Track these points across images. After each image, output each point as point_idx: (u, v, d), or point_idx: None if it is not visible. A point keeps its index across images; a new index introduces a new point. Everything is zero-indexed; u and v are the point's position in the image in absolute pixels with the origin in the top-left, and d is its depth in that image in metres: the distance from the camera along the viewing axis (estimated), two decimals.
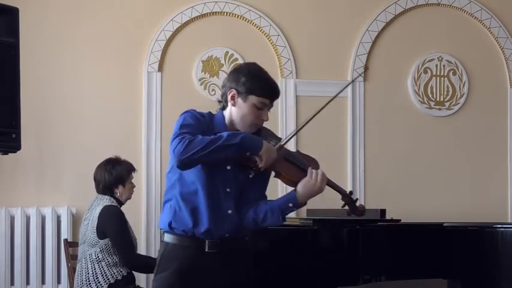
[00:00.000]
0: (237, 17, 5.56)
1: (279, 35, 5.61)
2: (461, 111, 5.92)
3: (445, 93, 5.90)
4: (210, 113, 3.12)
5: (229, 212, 2.99)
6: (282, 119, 5.53)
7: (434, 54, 5.89)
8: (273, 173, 3.10)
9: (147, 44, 5.41)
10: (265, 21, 5.59)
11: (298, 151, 3.19)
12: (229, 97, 3.05)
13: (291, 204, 3.01)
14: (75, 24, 5.32)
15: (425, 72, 5.87)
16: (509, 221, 5.83)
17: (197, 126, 2.96)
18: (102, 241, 4.26)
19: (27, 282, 5.08)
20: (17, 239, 5.08)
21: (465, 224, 4.43)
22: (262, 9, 5.61)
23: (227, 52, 5.53)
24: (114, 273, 4.25)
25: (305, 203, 3.05)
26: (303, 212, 5.39)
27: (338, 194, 3.19)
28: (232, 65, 5.53)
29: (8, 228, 5.07)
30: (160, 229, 3.10)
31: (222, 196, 2.98)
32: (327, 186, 3.08)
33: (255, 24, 5.59)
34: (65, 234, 5.09)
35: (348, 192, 3.18)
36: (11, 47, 3.48)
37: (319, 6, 5.71)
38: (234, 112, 3.05)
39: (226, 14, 5.55)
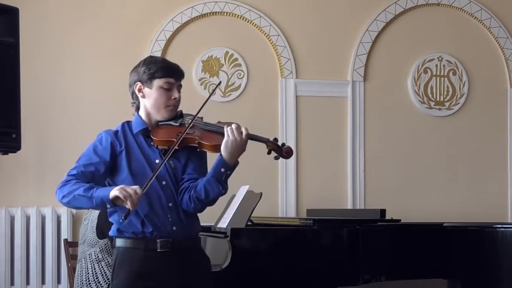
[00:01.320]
0: (237, 17, 5.56)
1: (279, 35, 5.61)
2: (461, 111, 5.92)
3: (445, 93, 5.90)
4: (127, 121, 3.12)
5: (170, 204, 2.98)
6: (282, 119, 5.53)
7: (434, 54, 5.89)
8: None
9: (147, 44, 5.41)
10: (265, 21, 5.59)
11: (219, 121, 3.14)
12: (136, 91, 3.08)
13: (222, 169, 2.95)
14: (75, 24, 5.32)
15: (425, 72, 5.87)
16: (509, 221, 5.83)
17: (95, 154, 2.99)
18: (101, 241, 4.26)
19: (27, 282, 5.08)
20: (17, 239, 5.08)
21: (465, 224, 4.43)
22: (262, 9, 5.61)
23: (227, 52, 5.53)
24: None
25: (237, 162, 2.98)
26: (303, 212, 5.40)
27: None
28: (232, 65, 5.53)
29: (8, 228, 5.07)
30: (111, 236, 3.08)
31: (160, 191, 2.97)
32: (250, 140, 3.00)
33: (255, 24, 5.59)
34: (65, 234, 5.10)
35: (272, 139, 3.07)
36: (11, 47, 3.49)
37: (319, 6, 5.71)
38: (146, 103, 3.07)
39: (226, 14, 5.55)
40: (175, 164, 3.02)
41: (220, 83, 3.10)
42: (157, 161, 2.99)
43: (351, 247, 4.06)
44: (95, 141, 3.06)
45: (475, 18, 5.94)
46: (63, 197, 2.98)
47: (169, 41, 5.44)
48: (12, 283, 5.06)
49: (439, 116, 5.88)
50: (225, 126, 2.98)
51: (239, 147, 2.95)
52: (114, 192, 2.79)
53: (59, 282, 5.13)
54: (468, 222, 4.55)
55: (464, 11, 5.93)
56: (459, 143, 5.88)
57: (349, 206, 5.56)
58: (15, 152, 3.60)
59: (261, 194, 4.17)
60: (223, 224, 4.18)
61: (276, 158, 3.09)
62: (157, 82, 3.06)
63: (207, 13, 5.52)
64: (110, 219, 3.05)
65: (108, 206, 2.85)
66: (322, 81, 5.62)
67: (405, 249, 4.24)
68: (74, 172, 3.02)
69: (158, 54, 5.39)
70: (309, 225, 4.11)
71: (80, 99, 5.31)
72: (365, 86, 5.75)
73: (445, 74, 5.91)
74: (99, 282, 4.23)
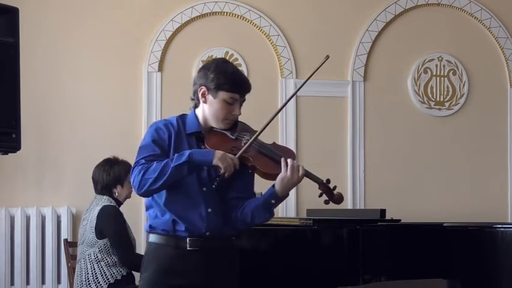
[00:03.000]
0: (237, 17, 5.57)
1: (279, 35, 5.61)
2: (461, 111, 5.92)
3: (445, 93, 5.90)
4: (181, 115, 3.11)
5: (209, 210, 2.98)
6: (282, 119, 5.53)
7: (434, 54, 5.89)
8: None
9: (147, 44, 5.42)
10: (265, 21, 5.60)
11: (274, 143, 3.15)
12: (199, 94, 3.05)
13: (273, 201, 3.01)
14: (75, 24, 5.32)
15: (425, 72, 5.87)
16: (509, 221, 5.83)
17: (156, 146, 2.97)
18: (101, 241, 4.26)
19: (27, 282, 5.08)
20: (17, 239, 5.08)
21: (465, 224, 4.43)
22: (262, 9, 5.61)
23: (227, 52, 5.54)
24: (113, 273, 4.25)
25: (287, 195, 3.03)
26: (303, 212, 5.40)
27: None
28: None
29: (8, 228, 5.07)
30: (145, 231, 3.11)
31: (199, 195, 2.97)
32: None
33: (255, 24, 5.59)
34: (65, 234, 5.10)
35: (324, 180, 3.11)
36: (11, 47, 3.49)
37: (319, 6, 5.72)
38: (206, 109, 3.05)
39: (226, 14, 5.55)
40: (220, 175, 2.99)
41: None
42: (204, 168, 2.98)
43: (351, 247, 4.05)
44: (150, 133, 3.02)
45: (475, 18, 5.94)
46: (152, 174, 2.88)
47: (169, 41, 5.44)
48: (12, 283, 5.06)
49: (439, 116, 5.88)
50: (282, 160, 2.98)
51: (293, 185, 3.00)
52: (217, 162, 2.86)
53: (59, 282, 5.13)
54: (468, 222, 4.55)
55: (464, 11, 5.93)
56: (459, 143, 5.88)
57: (349, 206, 5.56)
58: (15, 152, 3.60)
59: (261, 193, 4.17)
60: None
61: (326, 202, 3.14)
62: (223, 95, 3.01)
63: (207, 13, 5.52)
64: (146, 213, 3.06)
65: (205, 168, 2.91)
66: (322, 81, 5.62)
67: (405, 249, 4.23)
68: (144, 161, 2.95)
69: (158, 54, 5.40)
70: (309, 225, 4.11)
71: (80, 99, 5.31)
72: (365, 86, 5.75)
73: (445, 74, 5.91)
74: (98, 283, 4.23)
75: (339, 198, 3.12)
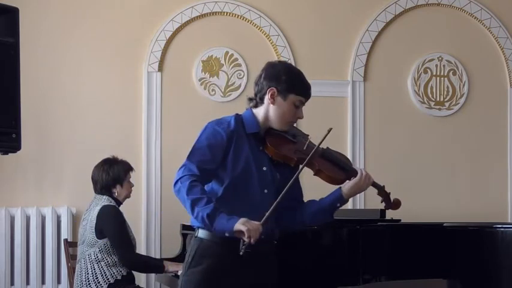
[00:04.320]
0: (237, 17, 5.56)
1: (279, 35, 5.61)
2: (461, 111, 5.92)
3: (445, 93, 5.90)
4: (237, 115, 3.10)
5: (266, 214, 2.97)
6: None
7: (434, 54, 5.89)
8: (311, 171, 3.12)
9: (147, 44, 5.42)
10: (265, 21, 5.59)
11: (328, 147, 3.20)
12: (268, 95, 3.04)
13: (338, 204, 3.11)
14: (75, 24, 5.32)
15: (425, 72, 5.87)
16: (509, 221, 5.83)
17: (208, 150, 2.95)
18: (101, 241, 4.26)
19: (27, 282, 5.08)
20: (17, 239, 5.08)
21: (465, 224, 4.43)
22: (262, 9, 5.61)
23: (227, 52, 5.53)
24: (113, 273, 4.25)
25: (348, 200, 3.15)
26: None
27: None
28: (232, 65, 5.53)
29: (8, 228, 5.07)
30: (194, 226, 3.05)
31: (259, 198, 2.99)
32: None
33: (255, 24, 5.59)
34: (65, 234, 5.09)
35: (383, 186, 3.24)
36: (11, 47, 3.49)
37: (319, 6, 5.72)
38: (272, 110, 3.06)
39: (226, 14, 5.55)
40: (280, 178, 3.04)
41: (331, 129, 3.12)
42: (264, 168, 3.02)
43: (351, 247, 4.06)
44: (207, 136, 3.00)
45: (475, 18, 5.94)
46: (190, 196, 2.87)
47: (169, 41, 5.44)
48: (12, 283, 5.06)
49: (439, 116, 5.88)
50: (359, 169, 3.12)
51: (360, 192, 3.15)
52: (239, 226, 2.81)
53: (59, 282, 5.13)
54: (468, 222, 4.55)
55: (464, 11, 5.93)
56: (459, 143, 5.88)
57: (349, 206, 5.56)
58: (15, 152, 3.60)
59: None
60: None
61: (386, 208, 3.28)
62: (293, 98, 3.06)
63: (207, 13, 5.52)
64: None
65: (227, 234, 2.87)
66: (322, 81, 5.62)
67: (405, 249, 4.24)
68: (196, 172, 2.91)
69: (158, 54, 5.39)
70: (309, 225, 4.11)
71: (80, 99, 5.31)
72: (365, 86, 5.75)
73: (445, 74, 5.91)
74: (98, 283, 4.23)
75: (396, 204, 3.27)
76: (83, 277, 4.26)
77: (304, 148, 3.06)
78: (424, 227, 4.40)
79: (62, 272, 5.11)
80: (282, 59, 5.58)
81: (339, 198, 3.09)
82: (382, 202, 3.25)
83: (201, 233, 3.02)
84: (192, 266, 3.01)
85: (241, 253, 2.83)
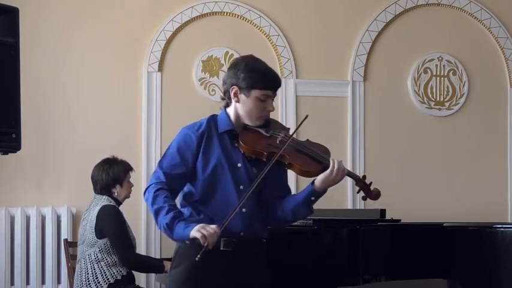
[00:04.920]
0: (237, 17, 5.56)
1: (279, 35, 5.61)
2: (461, 111, 5.92)
3: (445, 93, 5.90)
4: (213, 116, 3.11)
5: (244, 210, 2.98)
6: (282, 119, 5.52)
7: (434, 54, 5.89)
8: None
9: (147, 44, 5.42)
10: (265, 21, 5.59)
11: (307, 140, 3.17)
12: (232, 94, 3.04)
13: (313, 198, 3.06)
14: (75, 24, 5.32)
15: (425, 72, 5.87)
16: (509, 221, 5.83)
17: (178, 155, 2.98)
18: (100, 241, 4.26)
19: (27, 282, 5.08)
20: (17, 239, 5.08)
21: (465, 224, 4.43)
22: (262, 9, 5.61)
23: (227, 52, 5.53)
24: (113, 273, 4.25)
25: (326, 191, 3.08)
26: None
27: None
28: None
29: (8, 228, 5.07)
30: None
31: (236, 195, 2.98)
32: None
33: (255, 24, 5.59)
34: (65, 234, 5.09)
35: (361, 177, 3.18)
36: (11, 47, 3.49)
37: (319, 6, 5.72)
38: (239, 108, 3.05)
39: (226, 14, 5.55)
40: (256, 173, 3.00)
41: (307, 116, 3.09)
42: (239, 165, 3.01)
43: (351, 247, 4.05)
44: (178, 140, 3.03)
45: (475, 18, 5.94)
46: (154, 206, 2.95)
47: (169, 41, 5.44)
48: (12, 283, 5.05)
49: (439, 116, 5.88)
50: (331, 161, 3.03)
51: (335, 183, 3.06)
52: (194, 233, 2.81)
53: (59, 282, 5.13)
54: (468, 222, 4.55)
55: (464, 11, 5.93)
56: (459, 143, 5.88)
57: (349, 206, 5.56)
58: (15, 152, 3.60)
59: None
60: None
61: (364, 198, 3.22)
62: (256, 93, 3.01)
63: (207, 13, 5.52)
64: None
65: (187, 242, 2.89)
66: (322, 81, 5.62)
67: (405, 249, 4.23)
68: (163, 179, 2.96)
69: (158, 54, 5.39)
70: (309, 225, 4.11)
71: (80, 99, 5.31)
72: (365, 86, 5.75)
73: (445, 74, 5.91)
74: (98, 283, 4.23)
75: (376, 195, 3.19)
76: (83, 277, 4.26)
77: (277, 142, 3.02)
78: (424, 227, 4.40)
79: (62, 272, 5.11)
80: (282, 59, 5.59)
81: (312, 192, 3.04)
82: (358, 192, 3.19)
83: None
84: (174, 266, 3.03)
85: (197, 259, 2.81)
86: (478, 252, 4.23)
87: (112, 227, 4.29)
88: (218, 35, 5.55)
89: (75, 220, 5.14)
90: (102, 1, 5.38)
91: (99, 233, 4.27)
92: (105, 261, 4.25)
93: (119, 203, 4.43)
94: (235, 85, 3.02)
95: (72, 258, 4.68)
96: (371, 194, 3.18)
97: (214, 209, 2.96)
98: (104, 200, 4.35)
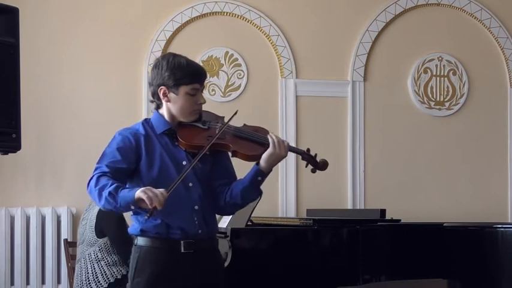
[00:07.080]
0: (237, 17, 5.57)
1: (279, 35, 5.61)
2: (461, 111, 5.92)
3: (445, 93, 5.90)
4: (145, 120, 3.10)
5: (196, 207, 2.97)
6: (282, 119, 5.53)
7: (434, 54, 5.89)
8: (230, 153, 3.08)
9: (147, 44, 5.42)
10: (265, 21, 5.60)
11: (245, 124, 3.15)
12: (161, 95, 3.01)
13: (259, 178, 3.01)
14: (75, 24, 5.32)
15: (425, 72, 5.87)
16: (509, 221, 5.83)
17: (118, 153, 2.95)
18: (101, 240, 4.26)
19: (27, 282, 5.08)
20: (17, 239, 5.08)
21: (465, 224, 4.43)
22: (262, 9, 5.61)
23: (227, 52, 5.54)
24: (114, 272, 4.26)
25: (271, 170, 3.04)
26: (303, 212, 5.40)
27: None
28: (232, 65, 5.53)
29: (8, 228, 5.07)
30: (132, 234, 3.03)
31: (185, 193, 2.96)
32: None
33: (255, 24, 5.59)
34: (65, 234, 5.10)
35: (305, 150, 3.15)
36: (11, 47, 3.48)
37: (319, 6, 5.72)
38: (171, 107, 3.02)
39: (226, 14, 5.55)
40: (202, 167, 2.99)
41: (237, 111, 3.08)
42: (184, 163, 2.98)
43: (351, 247, 4.06)
44: (116, 141, 3.01)
45: (475, 18, 5.94)
46: (97, 187, 2.88)
47: (169, 41, 5.44)
48: (12, 283, 5.06)
49: (439, 116, 5.88)
50: (269, 136, 3.01)
51: (279, 160, 3.02)
52: (139, 193, 2.73)
53: (59, 282, 5.13)
54: (468, 222, 4.55)
55: (464, 11, 5.93)
56: (459, 143, 5.88)
57: (349, 206, 5.56)
58: (15, 152, 3.59)
59: (261, 193, 4.17)
60: (223, 224, 4.18)
61: (313, 171, 3.16)
62: (184, 89, 2.99)
63: (207, 13, 5.52)
64: (132, 218, 3.01)
65: (132, 207, 2.79)
66: (322, 81, 5.62)
67: (405, 249, 4.24)
68: (106, 170, 2.91)
69: (158, 54, 5.39)
70: (309, 225, 4.11)
71: (80, 99, 5.31)
72: (365, 86, 5.75)
73: (445, 74, 5.91)
74: (99, 282, 4.23)
75: (324, 164, 3.15)
76: (83, 277, 4.27)
77: (217, 132, 3.01)
78: (424, 227, 4.40)
79: (62, 272, 5.11)
80: (282, 59, 5.59)
81: (258, 172, 3.00)
82: (306, 166, 3.14)
83: (140, 241, 2.98)
84: (136, 276, 2.97)
85: (146, 218, 2.77)
86: (478, 252, 4.23)
87: (112, 225, 4.28)
88: (218, 35, 5.55)
89: (75, 220, 5.14)
90: (102, 1, 5.38)
91: (99, 232, 4.27)
92: (105, 260, 4.25)
93: None
94: (162, 85, 2.99)
95: (72, 258, 4.69)
96: (318, 165, 3.14)
97: (169, 210, 2.86)
98: None
